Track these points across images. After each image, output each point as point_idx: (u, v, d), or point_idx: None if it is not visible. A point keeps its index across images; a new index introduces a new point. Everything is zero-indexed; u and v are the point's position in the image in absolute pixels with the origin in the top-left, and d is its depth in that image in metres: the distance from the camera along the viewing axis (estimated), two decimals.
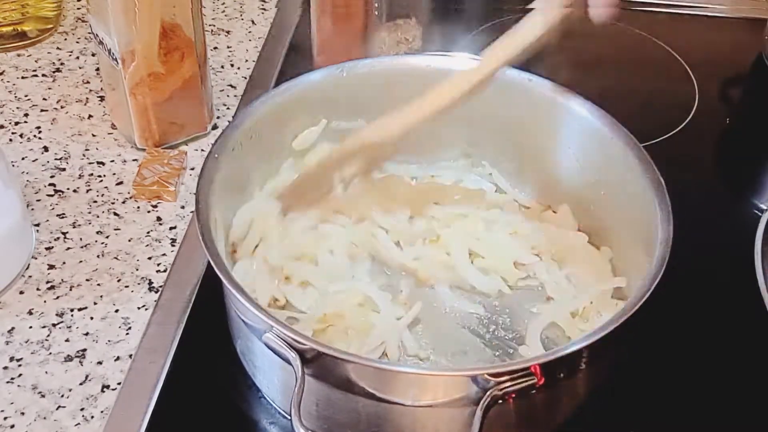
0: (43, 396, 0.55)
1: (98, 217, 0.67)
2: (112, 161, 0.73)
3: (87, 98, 0.79)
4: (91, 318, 0.60)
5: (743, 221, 0.70)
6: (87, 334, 0.58)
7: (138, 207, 0.69)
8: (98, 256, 0.64)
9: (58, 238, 0.65)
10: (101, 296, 0.61)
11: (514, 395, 0.47)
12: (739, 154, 0.82)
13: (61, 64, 0.83)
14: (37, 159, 0.72)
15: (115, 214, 0.68)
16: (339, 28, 0.72)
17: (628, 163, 0.58)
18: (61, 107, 0.78)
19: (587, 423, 0.55)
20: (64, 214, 0.67)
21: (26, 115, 0.77)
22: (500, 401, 0.46)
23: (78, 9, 0.91)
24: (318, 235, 0.62)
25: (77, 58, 0.84)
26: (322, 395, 0.49)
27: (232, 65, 0.85)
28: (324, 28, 0.72)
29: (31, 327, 0.59)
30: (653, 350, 0.59)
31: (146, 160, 0.71)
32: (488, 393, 0.45)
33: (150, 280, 0.63)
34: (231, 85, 0.82)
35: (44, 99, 0.79)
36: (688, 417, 0.56)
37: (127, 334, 0.59)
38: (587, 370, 0.51)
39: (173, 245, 0.65)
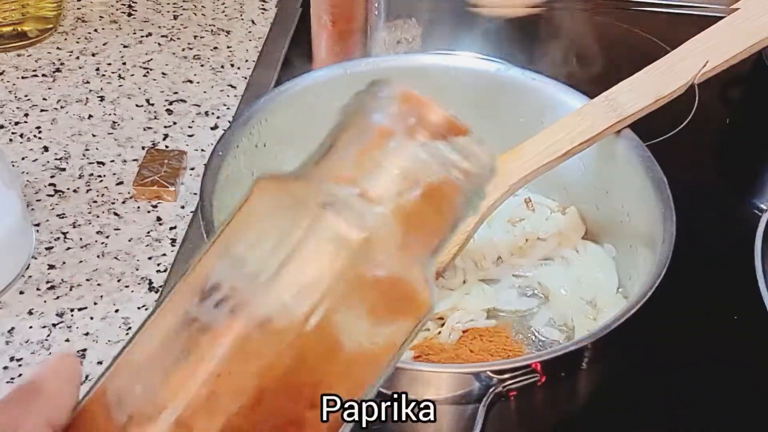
0: None
1: (98, 217, 0.67)
2: (112, 161, 0.73)
3: (87, 98, 0.79)
4: (91, 318, 0.59)
5: (743, 221, 0.70)
6: (87, 334, 0.58)
7: (138, 207, 0.68)
8: (98, 256, 0.64)
9: (58, 238, 0.65)
10: (101, 296, 0.61)
11: (516, 393, 0.47)
12: (739, 154, 0.82)
13: (61, 64, 0.83)
14: (37, 159, 0.72)
15: (115, 214, 0.68)
16: (339, 27, 0.72)
17: (632, 162, 0.58)
18: (61, 107, 0.78)
19: (588, 422, 0.55)
20: (64, 214, 0.67)
21: (26, 115, 0.77)
22: (503, 398, 0.46)
23: (78, 9, 0.91)
24: None
25: (77, 58, 0.84)
26: None
27: (232, 65, 0.85)
28: (324, 27, 0.72)
29: (31, 327, 0.59)
30: (654, 349, 0.59)
31: (146, 160, 0.71)
32: (491, 390, 0.45)
33: (150, 280, 0.62)
34: (231, 85, 0.82)
35: (44, 99, 0.79)
36: (688, 417, 0.56)
37: (127, 334, 0.59)
38: (589, 368, 0.51)
39: (173, 245, 0.65)
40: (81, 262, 0.63)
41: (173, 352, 0.25)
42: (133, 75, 0.82)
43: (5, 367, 0.56)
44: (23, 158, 0.72)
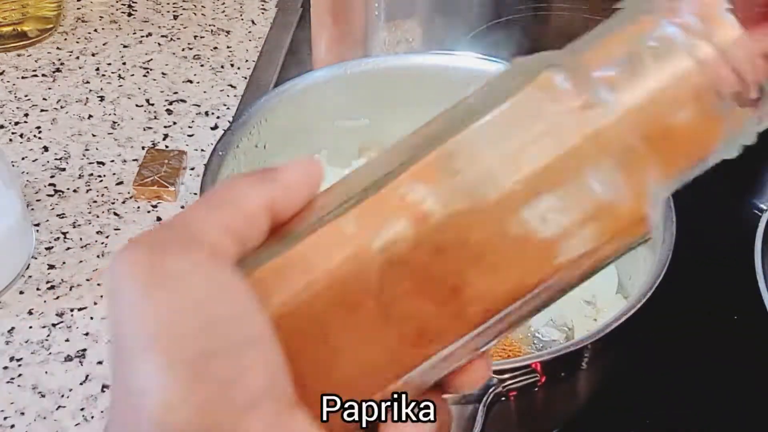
0: (43, 396, 0.54)
1: (98, 217, 0.67)
2: (112, 161, 0.73)
3: (87, 98, 0.79)
4: (91, 318, 0.59)
5: (743, 221, 0.70)
6: (87, 334, 0.58)
7: (138, 207, 0.68)
8: (98, 256, 0.64)
9: (58, 238, 0.65)
10: (101, 296, 0.61)
11: (516, 393, 0.47)
12: (739, 154, 0.82)
13: (61, 64, 0.83)
14: (37, 159, 0.72)
15: (115, 214, 0.68)
16: (339, 28, 0.72)
17: None
18: (61, 107, 0.78)
19: (588, 422, 0.55)
20: (64, 214, 0.67)
21: (26, 115, 0.77)
22: (503, 398, 0.46)
23: (78, 9, 0.91)
24: None
25: (77, 58, 0.84)
26: None
27: (232, 65, 0.85)
28: (324, 27, 0.72)
29: (31, 327, 0.59)
30: (653, 349, 0.59)
31: (146, 160, 0.71)
32: (491, 390, 0.45)
33: None
34: (231, 85, 0.82)
35: (44, 99, 0.79)
36: (688, 417, 0.56)
37: None
38: (589, 368, 0.51)
39: None
40: (81, 262, 0.63)
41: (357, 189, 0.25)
42: (133, 75, 0.82)
43: (5, 367, 0.56)
44: (23, 158, 0.72)
